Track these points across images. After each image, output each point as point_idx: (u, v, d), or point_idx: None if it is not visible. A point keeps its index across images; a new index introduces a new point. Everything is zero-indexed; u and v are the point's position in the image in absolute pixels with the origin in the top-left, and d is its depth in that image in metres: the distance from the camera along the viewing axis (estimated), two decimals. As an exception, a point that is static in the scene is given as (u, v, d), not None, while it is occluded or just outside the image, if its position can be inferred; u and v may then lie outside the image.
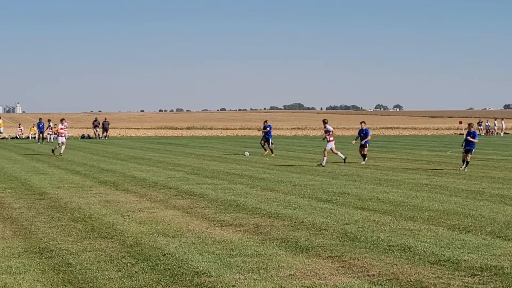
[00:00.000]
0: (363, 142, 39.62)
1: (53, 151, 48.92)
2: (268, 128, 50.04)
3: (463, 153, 34.85)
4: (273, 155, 48.19)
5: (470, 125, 35.81)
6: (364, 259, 13.29)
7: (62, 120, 51.40)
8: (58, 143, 48.28)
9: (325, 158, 38.22)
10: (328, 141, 39.01)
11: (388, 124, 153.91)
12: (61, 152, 47.96)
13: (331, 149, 38.75)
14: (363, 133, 39.83)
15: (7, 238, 15.69)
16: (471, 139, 34.50)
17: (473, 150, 35.10)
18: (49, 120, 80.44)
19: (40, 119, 77.24)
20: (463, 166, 34.40)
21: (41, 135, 74.74)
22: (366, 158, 40.23)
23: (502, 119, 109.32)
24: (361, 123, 40.33)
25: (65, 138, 50.06)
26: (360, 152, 40.19)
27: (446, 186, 26.60)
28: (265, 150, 50.02)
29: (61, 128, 49.33)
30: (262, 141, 50.64)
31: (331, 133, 39.47)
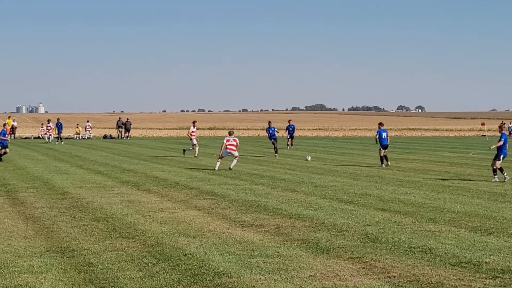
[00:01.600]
0: (386, 142, 38.16)
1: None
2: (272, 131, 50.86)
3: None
4: (277, 156, 47.58)
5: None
6: (385, 260, 13.26)
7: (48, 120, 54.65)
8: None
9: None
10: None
11: (410, 125, 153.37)
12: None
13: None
14: (383, 134, 38.33)
15: (29, 238, 15.80)
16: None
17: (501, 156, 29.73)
18: (49, 121, 79.78)
19: (58, 119, 77.28)
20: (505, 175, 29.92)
21: (59, 134, 74.41)
22: (389, 160, 38.69)
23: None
24: (379, 124, 39.20)
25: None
26: (381, 155, 38.32)
27: (468, 187, 26.48)
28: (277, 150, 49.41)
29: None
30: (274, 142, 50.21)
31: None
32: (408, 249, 14.31)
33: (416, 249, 14.30)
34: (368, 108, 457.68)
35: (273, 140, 50.15)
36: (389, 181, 29.30)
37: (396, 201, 22.32)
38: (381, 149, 38.15)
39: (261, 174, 32.90)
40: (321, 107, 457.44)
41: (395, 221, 18.03)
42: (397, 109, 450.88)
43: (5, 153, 41.99)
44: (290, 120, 64.38)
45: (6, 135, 43.61)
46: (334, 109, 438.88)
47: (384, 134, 38.21)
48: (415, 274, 12.13)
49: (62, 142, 70.96)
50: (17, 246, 14.72)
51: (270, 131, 52.23)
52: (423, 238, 15.63)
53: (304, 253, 13.98)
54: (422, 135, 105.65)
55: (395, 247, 14.59)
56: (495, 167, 29.04)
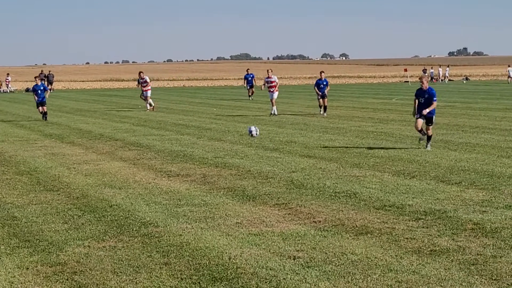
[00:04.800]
0: (325, 91, 36.77)
1: None
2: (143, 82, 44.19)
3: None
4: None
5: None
6: (311, 206, 13.40)
7: None
8: None
9: (275, 107, 38.00)
10: (274, 91, 38.27)
11: (334, 73, 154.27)
12: None
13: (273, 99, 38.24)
14: (323, 84, 36.89)
15: (-49, 193, 15.50)
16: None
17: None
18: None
19: None
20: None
21: None
22: (326, 111, 37.23)
23: (448, 66, 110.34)
24: (320, 73, 38.01)
25: None
26: (320, 104, 37.34)
27: (391, 133, 26.85)
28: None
29: None
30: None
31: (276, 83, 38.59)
32: (333, 194, 14.48)
33: (341, 194, 14.47)
34: (293, 57, 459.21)
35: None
36: (314, 128, 29.51)
37: (321, 147, 22.51)
38: (319, 98, 37.25)
39: (187, 124, 32.79)
40: (246, 56, 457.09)
41: (320, 167, 18.19)
42: (322, 57, 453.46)
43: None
44: (248, 69, 62.17)
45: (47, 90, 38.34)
46: (259, 58, 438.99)
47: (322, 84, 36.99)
48: (340, 218, 12.29)
49: None
50: None
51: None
52: (347, 183, 15.82)
53: (231, 201, 14.03)
54: (346, 83, 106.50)
55: (320, 192, 14.74)
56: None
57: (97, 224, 12.22)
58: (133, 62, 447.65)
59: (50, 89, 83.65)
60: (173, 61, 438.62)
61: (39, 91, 36.80)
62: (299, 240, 10.81)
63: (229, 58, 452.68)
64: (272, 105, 37.96)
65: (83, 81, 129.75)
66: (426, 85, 21.45)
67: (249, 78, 57.74)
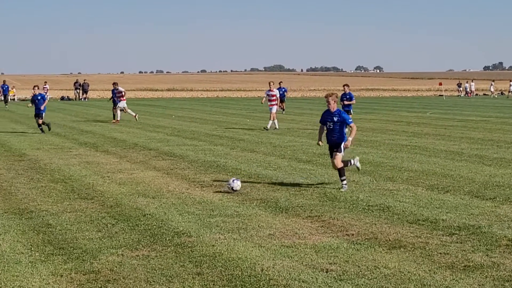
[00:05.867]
0: (345, 102, 34.42)
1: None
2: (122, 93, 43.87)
3: None
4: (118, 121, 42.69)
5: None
6: (344, 218, 13.37)
7: None
8: None
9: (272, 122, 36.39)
10: (274, 105, 36.66)
11: (368, 85, 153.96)
12: None
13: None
14: (346, 98, 34.66)
15: (-13, 199, 15.66)
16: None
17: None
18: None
19: (4, 81, 75.28)
20: None
21: (5, 98, 70.20)
22: None
23: (472, 81, 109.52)
24: (344, 86, 35.62)
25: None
26: None
27: (425, 146, 26.71)
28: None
29: None
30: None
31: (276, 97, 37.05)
32: (366, 208, 14.44)
33: (374, 208, 14.43)
34: (327, 69, 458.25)
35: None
36: (348, 140, 29.38)
37: (355, 160, 22.41)
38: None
39: (220, 134, 32.87)
40: (279, 68, 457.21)
41: (353, 180, 18.14)
42: (356, 69, 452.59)
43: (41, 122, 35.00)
44: (280, 82, 57.85)
45: (46, 99, 36.44)
46: (293, 70, 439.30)
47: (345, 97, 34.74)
48: (373, 232, 12.25)
49: (6, 106, 66.64)
50: (-26, 208, 14.59)
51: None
52: (381, 196, 15.77)
53: (263, 212, 14.04)
54: (380, 95, 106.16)
55: (354, 205, 14.70)
56: None
57: (131, 233, 12.28)
58: (167, 72, 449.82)
59: (84, 98, 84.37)
60: (207, 71, 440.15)
61: (37, 101, 35.12)
62: (332, 253, 10.79)
63: (263, 69, 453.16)
64: (270, 119, 36.36)
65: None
66: (333, 106, 17.20)
67: (281, 92, 55.55)
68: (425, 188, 16.94)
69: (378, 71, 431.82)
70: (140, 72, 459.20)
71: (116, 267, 10.08)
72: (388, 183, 17.77)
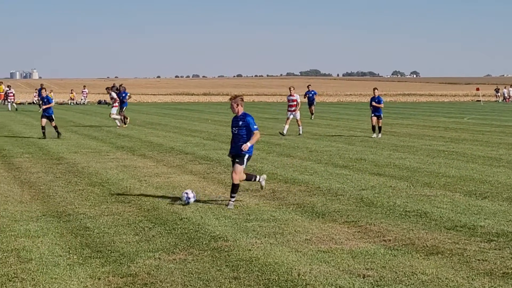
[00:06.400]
0: (374, 105, 33.99)
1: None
2: (124, 95, 43.18)
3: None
4: (125, 126, 42.22)
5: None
6: (380, 224, 13.32)
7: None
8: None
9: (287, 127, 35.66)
10: (294, 111, 35.69)
11: (405, 90, 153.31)
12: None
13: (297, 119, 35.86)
14: (375, 101, 34.25)
15: (26, 202, 15.82)
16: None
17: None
18: (9, 86, 74.69)
19: (41, 85, 75.35)
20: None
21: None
22: (381, 133, 34.40)
23: (511, 86, 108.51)
24: (373, 89, 35.13)
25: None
26: (372, 124, 34.47)
27: (463, 152, 26.52)
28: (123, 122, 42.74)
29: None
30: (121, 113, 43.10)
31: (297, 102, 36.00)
32: (403, 213, 14.36)
33: (411, 213, 14.35)
34: (363, 74, 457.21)
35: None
36: (384, 146, 29.32)
37: (391, 165, 22.35)
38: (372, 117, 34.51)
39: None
40: (315, 73, 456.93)
41: (390, 186, 18.07)
42: (392, 74, 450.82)
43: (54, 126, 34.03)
44: (309, 85, 56.52)
45: (51, 101, 35.04)
46: (329, 75, 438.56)
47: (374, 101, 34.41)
48: (410, 237, 12.18)
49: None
50: (13, 211, 14.75)
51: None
52: (418, 202, 15.68)
53: (300, 217, 14.03)
54: (417, 101, 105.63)
55: (390, 211, 14.64)
56: None
57: (168, 236, 12.33)
58: (203, 76, 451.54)
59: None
60: (243, 76, 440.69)
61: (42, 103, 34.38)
62: (368, 259, 10.75)
63: (299, 74, 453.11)
64: (286, 124, 35.65)
65: (154, 94, 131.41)
66: (237, 110, 15.52)
67: (310, 95, 53.97)
68: (462, 194, 16.81)
69: (414, 76, 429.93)
70: (176, 76, 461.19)
71: (153, 270, 10.12)
72: (425, 189, 17.66)
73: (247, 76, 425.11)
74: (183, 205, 15.24)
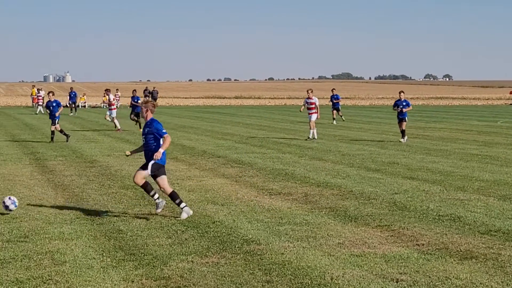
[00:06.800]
0: (400, 109, 33.24)
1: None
2: (136, 100, 42.78)
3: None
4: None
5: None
6: (414, 228, 13.25)
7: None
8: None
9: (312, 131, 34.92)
10: (313, 114, 34.82)
11: (437, 94, 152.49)
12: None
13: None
14: (402, 105, 33.46)
15: (59, 205, 15.93)
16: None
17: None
18: (38, 90, 75.32)
19: (71, 88, 75.85)
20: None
21: (73, 105, 69.75)
22: (406, 136, 33.62)
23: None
24: (399, 92, 34.57)
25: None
26: (400, 128, 33.54)
27: (496, 156, 26.31)
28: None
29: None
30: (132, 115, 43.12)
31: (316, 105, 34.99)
32: (437, 217, 14.28)
33: (445, 217, 14.26)
34: (395, 77, 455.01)
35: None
36: (417, 149, 29.17)
37: (424, 169, 22.23)
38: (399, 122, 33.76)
39: (288, 142, 32.88)
40: (347, 76, 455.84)
41: (423, 190, 17.98)
42: (424, 77, 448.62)
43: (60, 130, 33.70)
44: (333, 89, 55.39)
45: (60, 105, 34.58)
46: (361, 78, 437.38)
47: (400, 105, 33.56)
48: (444, 242, 12.10)
49: (76, 113, 66.98)
50: (47, 213, 14.86)
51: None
52: (451, 206, 15.58)
53: (332, 221, 14.00)
54: (450, 104, 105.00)
55: (424, 215, 14.56)
56: None
57: (200, 239, 12.36)
58: (235, 79, 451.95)
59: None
60: (275, 79, 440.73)
61: (51, 107, 33.83)
62: (402, 263, 10.70)
63: (331, 77, 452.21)
64: (310, 128, 34.92)
65: (186, 97, 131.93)
66: (146, 116, 15.01)
67: (334, 101, 52.64)
68: (496, 198, 16.68)
69: (447, 79, 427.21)
70: (208, 79, 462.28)
71: (186, 273, 10.15)
72: (458, 193, 17.55)
73: (278, 80, 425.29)
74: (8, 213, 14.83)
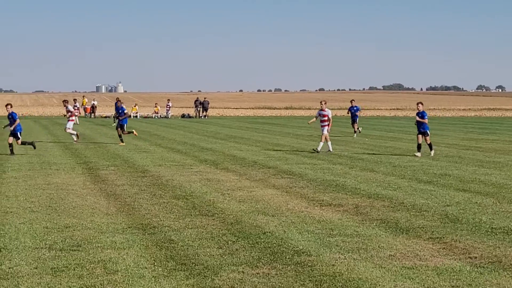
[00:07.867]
0: (418, 119, 32.18)
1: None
2: (121, 110, 40.33)
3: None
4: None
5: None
6: (466, 241, 13.12)
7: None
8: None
9: (322, 144, 33.84)
10: (325, 126, 33.88)
11: (490, 105, 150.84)
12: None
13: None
14: (419, 116, 32.39)
15: (111, 214, 16.08)
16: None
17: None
18: (74, 100, 74.75)
19: (117, 99, 75.30)
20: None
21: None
22: (433, 150, 32.07)
23: None
24: (417, 104, 33.49)
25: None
26: (418, 142, 31.93)
27: (551, 168, 25.94)
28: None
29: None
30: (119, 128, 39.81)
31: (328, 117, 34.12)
32: (490, 230, 14.12)
33: (498, 230, 14.10)
34: (447, 88, 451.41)
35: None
36: (469, 161, 28.89)
37: (477, 181, 22.01)
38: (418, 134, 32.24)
39: (339, 153, 32.78)
40: (398, 87, 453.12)
41: (476, 202, 17.79)
42: (477, 88, 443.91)
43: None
44: (352, 100, 54.74)
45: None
46: (412, 89, 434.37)
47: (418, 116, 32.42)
48: (497, 255, 11.96)
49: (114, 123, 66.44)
50: (99, 223, 15.00)
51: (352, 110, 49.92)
52: (505, 219, 15.39)
53: (384, 233, 13.92)
54: (503, 115, 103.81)
55: (476, 228, 14.41)
56: None
57: (251, 250, 12.38)
58: (285, 90, 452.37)
59: (205, 116, 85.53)
60: (325, 90, 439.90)
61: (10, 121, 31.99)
62: (454, 276, 10.60)
63: (381, 88, 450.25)
64: (321, 141, 33.76)
65: (236, 108, 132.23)
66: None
67: (352, 111, 50.91)
68: (551, 211, 16.43)
69: (500, 90, 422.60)
70: (259, 90, 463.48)
71: (237, 284, 10.17)
72: (512, 205, 17.34)
73: (329, 90, 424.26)
74: None
